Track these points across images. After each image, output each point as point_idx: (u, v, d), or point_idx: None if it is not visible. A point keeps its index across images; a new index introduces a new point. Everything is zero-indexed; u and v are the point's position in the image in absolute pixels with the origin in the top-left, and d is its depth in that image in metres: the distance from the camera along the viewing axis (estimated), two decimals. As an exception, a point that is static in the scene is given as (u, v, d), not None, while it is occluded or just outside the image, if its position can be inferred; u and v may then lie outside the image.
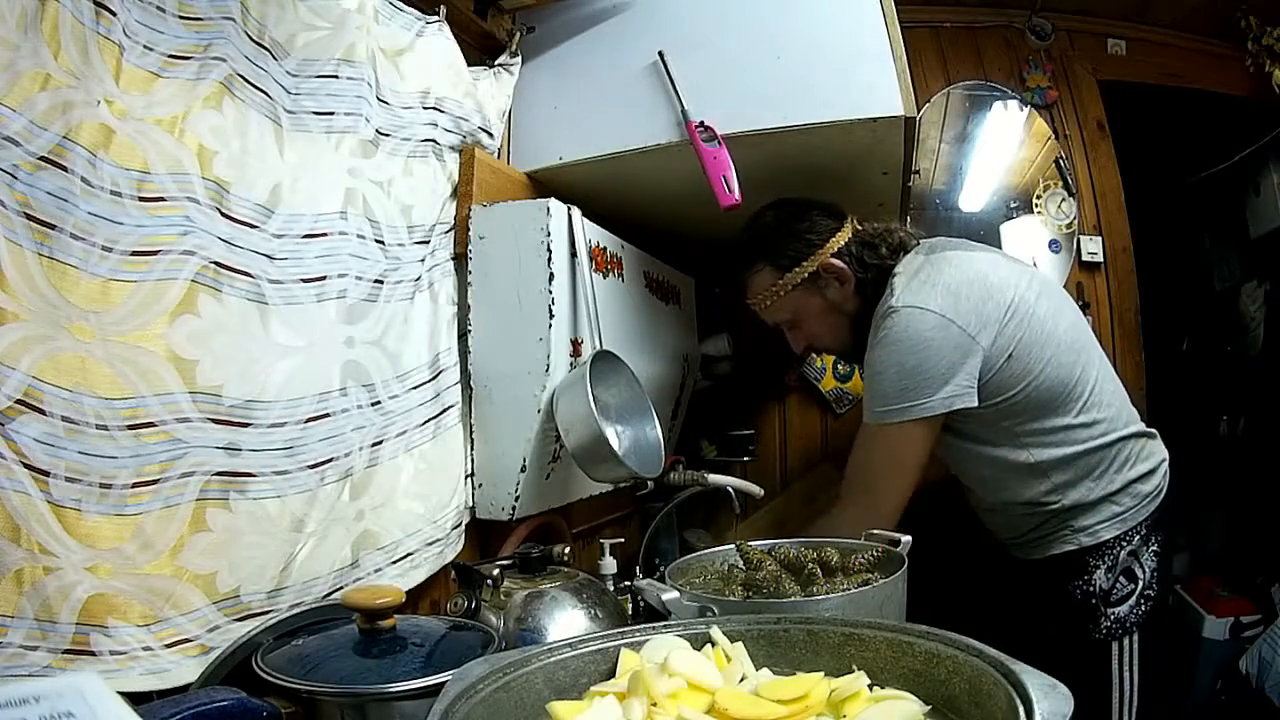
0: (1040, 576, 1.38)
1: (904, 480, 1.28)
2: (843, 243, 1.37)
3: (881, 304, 1.30)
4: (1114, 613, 1.31)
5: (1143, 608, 1.32)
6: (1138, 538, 1.31)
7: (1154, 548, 1.33)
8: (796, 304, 1.41)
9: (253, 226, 0.89)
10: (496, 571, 0.95)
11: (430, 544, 1.11)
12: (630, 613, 1.06)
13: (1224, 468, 2.70)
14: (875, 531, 1.08)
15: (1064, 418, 1.28)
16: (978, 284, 1.25)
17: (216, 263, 0.84)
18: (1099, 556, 1.31)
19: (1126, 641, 1.32)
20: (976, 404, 1.24)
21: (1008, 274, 1.29)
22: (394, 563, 1.05)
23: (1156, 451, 1.37)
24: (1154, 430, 1.39)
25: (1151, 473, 1.33)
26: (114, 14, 0.75)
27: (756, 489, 1.51)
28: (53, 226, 0.70)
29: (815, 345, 1.50)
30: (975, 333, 1.22)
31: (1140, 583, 1.31)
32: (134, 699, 0.56)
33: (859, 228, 1.41)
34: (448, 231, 1.22)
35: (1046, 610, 1.37)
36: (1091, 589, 1.31)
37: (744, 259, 1.45)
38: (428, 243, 1.17)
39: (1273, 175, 2.56)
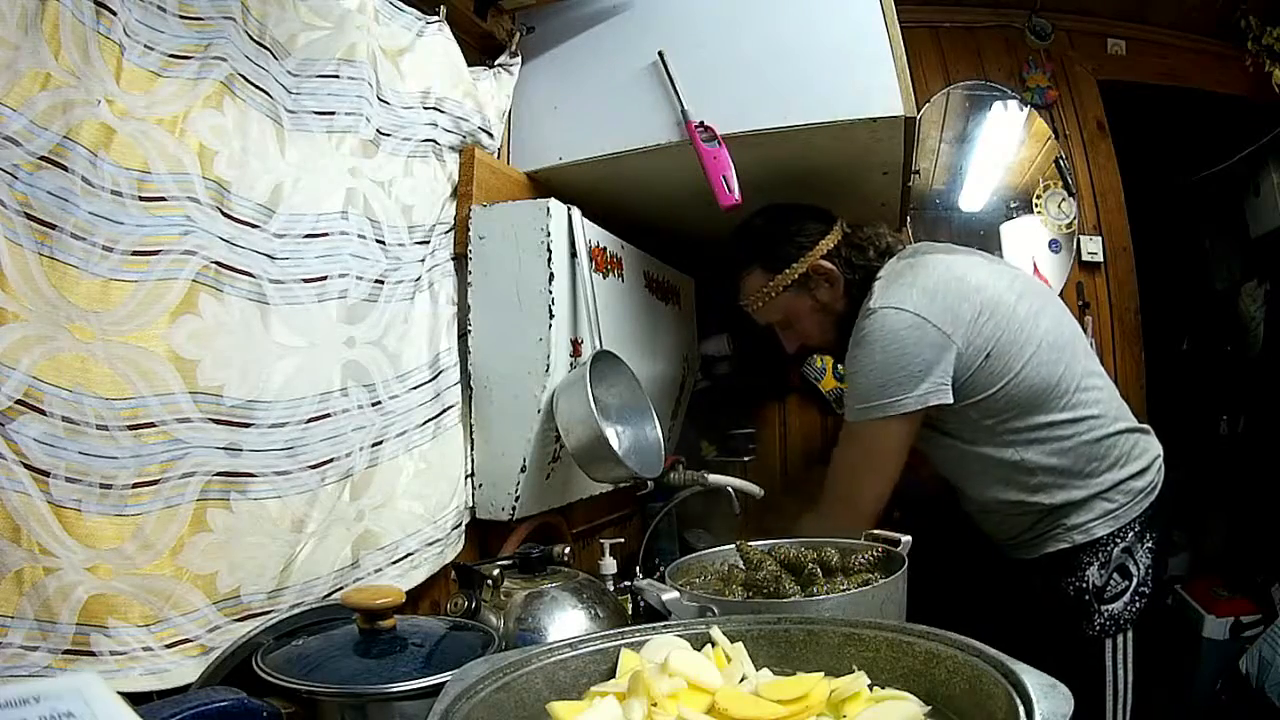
0: (1034, 574, 1.38)
1: (883, 476, 1.30)
2: (832, 245, 1.40)
3: (863, 306, 1.32)
4: (1108, 610, 1.32)
5: (1137, 605, 1.32)
6: (1132, 534, 1.31)
7: (1149, 544, 1.33)
8: (787, 305, 1.44)
9: (254, 226, 0.89)
10: (496, 571, 0.95)
11: (430, 544, 1.11)
12: (630, 613, 1.06)
13: (1224, 467, 2.70)
14: (876, 531, 1.08)
15: (1048, 415, 1.29)
16: (954, 285, 1.28)
17: (217, 262, 0.84)
18: (1092, 554, 1.31)
19: (1120, 639, 1.32)
20: (952, 401, 1.26)
21: (986, 276, 1.32)
22: (394, 563, 1.05)
23: (1150, 448, 1.37)
24: (1147, 426, 1.40)
25: (1145, 470, 1.34)
26: (114, 13, 0.75)
27: (756, 489, 1.52)
28: (53, 226, 0.70)
29: (807, 344, 1.52)
30: (950, 331, 1.24)
31: (1135, 580, 1.32)
32: (134, 699, 0.56)
33: (848, 231, 1.43)
34: (448, 231, 1.23)
35: (1040, 608, 1.37)
36: (1085, 586, 1.32)
37: (736, 262, 1.47)
38: (428, 243, 1.17)
39: (1273, 175, 2.56)
